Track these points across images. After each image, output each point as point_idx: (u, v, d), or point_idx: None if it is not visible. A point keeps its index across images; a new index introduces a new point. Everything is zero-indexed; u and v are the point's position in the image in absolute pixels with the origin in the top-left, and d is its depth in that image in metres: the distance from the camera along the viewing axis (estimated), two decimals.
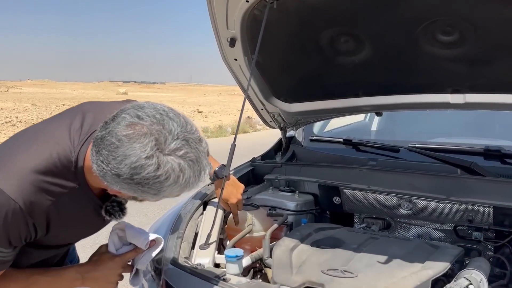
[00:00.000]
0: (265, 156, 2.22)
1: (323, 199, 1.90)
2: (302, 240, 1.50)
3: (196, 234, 1.52)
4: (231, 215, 1.68)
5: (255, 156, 2.19)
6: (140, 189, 0.88)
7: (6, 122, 11.27)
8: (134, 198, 1.03)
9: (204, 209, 1.68)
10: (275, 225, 1.61)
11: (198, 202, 1.66)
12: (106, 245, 1.25)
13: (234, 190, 1.60)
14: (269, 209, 1.81)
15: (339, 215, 1.92)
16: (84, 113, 1.07)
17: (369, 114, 2.93)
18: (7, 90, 27.65)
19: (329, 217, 2.00)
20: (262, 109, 2.06)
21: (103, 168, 0.87)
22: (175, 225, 1.50)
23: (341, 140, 2.12)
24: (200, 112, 18.13)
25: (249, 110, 2.15)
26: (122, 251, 1.24)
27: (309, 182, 1.92)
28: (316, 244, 1.51)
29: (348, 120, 3.08)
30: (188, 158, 0.87)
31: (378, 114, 1.82)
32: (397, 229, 1.81)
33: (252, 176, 2.09)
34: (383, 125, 2.82)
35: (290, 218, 1.80)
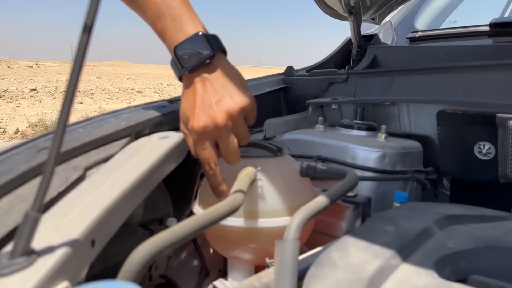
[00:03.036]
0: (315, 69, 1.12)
1: (447, 147, 0.79)
2: (404, 250, 0.43)
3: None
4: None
5: (295, 68, 1.10)
6: None
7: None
8: None
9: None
10: (321, 199, 0.52)
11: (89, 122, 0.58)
12: None
13: (210, 96, 0.51)
14: (311, 162, 0.73)
15: (475, 188, 0.82)
16: None
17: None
18: None
19: (450, 191, 0.89)
20: None
21: None
22: None
23: (486, 27, 0.95)
24: None
25: None
26: None
27: (415, 107, 0.81)
28: (455, 270, 0.43)
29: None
30: None
31: None
32: None
33: (285, 100, 1.02)
34: None
35: (365, 188, 0.71)
